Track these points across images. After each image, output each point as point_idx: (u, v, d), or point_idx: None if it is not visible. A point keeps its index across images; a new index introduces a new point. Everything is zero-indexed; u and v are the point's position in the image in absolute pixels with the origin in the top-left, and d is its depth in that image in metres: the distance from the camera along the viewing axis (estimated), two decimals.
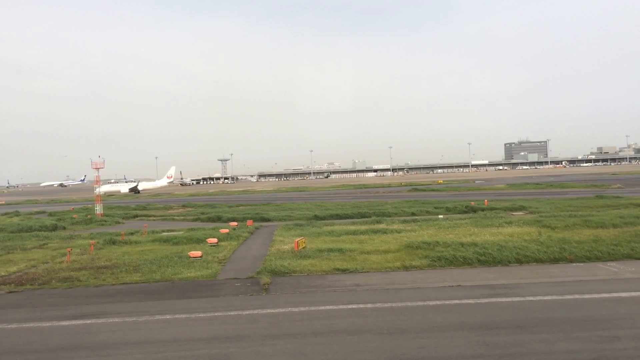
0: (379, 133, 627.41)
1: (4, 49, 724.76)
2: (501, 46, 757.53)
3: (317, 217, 58.86)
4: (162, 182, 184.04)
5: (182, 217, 69.18)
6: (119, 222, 65.42)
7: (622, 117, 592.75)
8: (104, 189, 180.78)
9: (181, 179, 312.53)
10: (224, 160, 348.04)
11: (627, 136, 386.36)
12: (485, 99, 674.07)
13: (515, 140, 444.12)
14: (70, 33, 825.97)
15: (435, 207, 63.93)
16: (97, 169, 77.03)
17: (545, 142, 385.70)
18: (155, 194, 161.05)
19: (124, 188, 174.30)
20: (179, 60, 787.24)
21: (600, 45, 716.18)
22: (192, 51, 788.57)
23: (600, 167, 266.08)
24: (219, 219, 62.65)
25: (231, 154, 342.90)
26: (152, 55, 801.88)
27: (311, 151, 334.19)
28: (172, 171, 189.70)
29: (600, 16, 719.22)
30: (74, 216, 71.41)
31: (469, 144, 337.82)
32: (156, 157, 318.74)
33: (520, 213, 55.74)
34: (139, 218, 71.81)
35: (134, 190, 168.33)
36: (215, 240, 39.02)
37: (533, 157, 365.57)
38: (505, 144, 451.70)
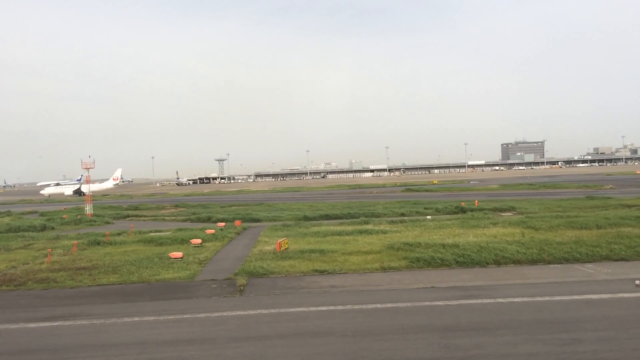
0: (377, 133, 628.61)
1: (3, 49, 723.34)
2: (499, 47, 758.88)
3: (306, 218, 58.85)
4: (108, 184, 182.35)
5: (172, 218, 69.07)
6: (109, 223, 65.25)
7: (619, 118, 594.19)
8: (48, 190, 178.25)
9: (177, 178, 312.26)
10: (221, 160, 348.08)
11: (623, 137, 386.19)
12: (482, 99, 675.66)
13: (512, 141, 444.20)
14: (70, 33, 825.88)
15: (425, 208, 63.96)
16: (87, 168, 76.89)
17: (542, 142, 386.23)
18: (105, 194, 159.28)
19: (68, 190, 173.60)
20: (178, 60, 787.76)
21: (597, 47, 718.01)
22: (191, 51, 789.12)
23: (596, 168, 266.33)
24: (209, 219, 62.59)
25: (227, 154, 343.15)
26: (150, 55, 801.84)
27: (308, 151, 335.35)
28: (118, 173, 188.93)
29: (597, 18, 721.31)
30: (63, 216, 71.22)
31: (466, 144, 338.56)
32: (152, 157, 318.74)
33: (509, 214, 55.80)
34: (129, 218, 71.67)
35: (78, 192, 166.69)
36: (199, 241, 38.93)
37: (529, 157, 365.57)
38: (502, 145, 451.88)
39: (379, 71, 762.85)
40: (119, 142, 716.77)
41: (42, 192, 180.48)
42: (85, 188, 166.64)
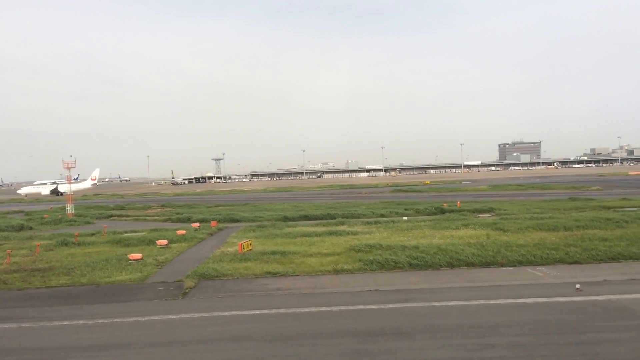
0: (375, 133, 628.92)
1: (3, 47, 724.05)
2: (496, 48, 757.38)
3: (286, 218, 58.75)
4: (86, 184, 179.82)
5: (154, 218, 68.86)
6: (90, 223, 65.08)
7: (616, 119, 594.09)
8: (25, 190, 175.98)
9: (172, 177, 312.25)
10: (217, 160, 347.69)
11: (619, 137, 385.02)
12: (480, 99, 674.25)
13: (509, 141, 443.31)
14: (69, 31, 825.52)
15: (405, 209, 63.87)
16: (69, 168, 76.67)
17: (539, 143, 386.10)
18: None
19: (45, 190, 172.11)
20: (175, 59, 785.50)
21: (595, 48, 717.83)
22: (190, 51, 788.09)
23: (591, 169, 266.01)
24: (188, 219, 62.38)
25: (223, 153, 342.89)
26: (150, 54, 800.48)
27: (303, 151, 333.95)
28: (96, 173, 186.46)
29: (595, 19, 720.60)
30: (44, 216, 71.10)
31: (462, 144, 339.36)
32: (148, 156, 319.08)
33: (487, 215, 55.67)
34: (112, 218, 71.51)
35: (55, 192, 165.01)
36: (165, 242, 38.76)
37: (526, 158, 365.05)
38: (499, 145, 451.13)
39: (377, 71, 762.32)
40: (117, 141, 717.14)
41: (18, 191, 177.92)
42: (63, 188, 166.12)
